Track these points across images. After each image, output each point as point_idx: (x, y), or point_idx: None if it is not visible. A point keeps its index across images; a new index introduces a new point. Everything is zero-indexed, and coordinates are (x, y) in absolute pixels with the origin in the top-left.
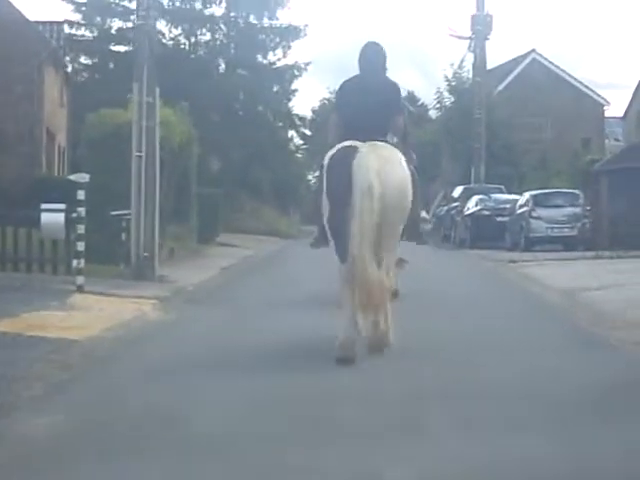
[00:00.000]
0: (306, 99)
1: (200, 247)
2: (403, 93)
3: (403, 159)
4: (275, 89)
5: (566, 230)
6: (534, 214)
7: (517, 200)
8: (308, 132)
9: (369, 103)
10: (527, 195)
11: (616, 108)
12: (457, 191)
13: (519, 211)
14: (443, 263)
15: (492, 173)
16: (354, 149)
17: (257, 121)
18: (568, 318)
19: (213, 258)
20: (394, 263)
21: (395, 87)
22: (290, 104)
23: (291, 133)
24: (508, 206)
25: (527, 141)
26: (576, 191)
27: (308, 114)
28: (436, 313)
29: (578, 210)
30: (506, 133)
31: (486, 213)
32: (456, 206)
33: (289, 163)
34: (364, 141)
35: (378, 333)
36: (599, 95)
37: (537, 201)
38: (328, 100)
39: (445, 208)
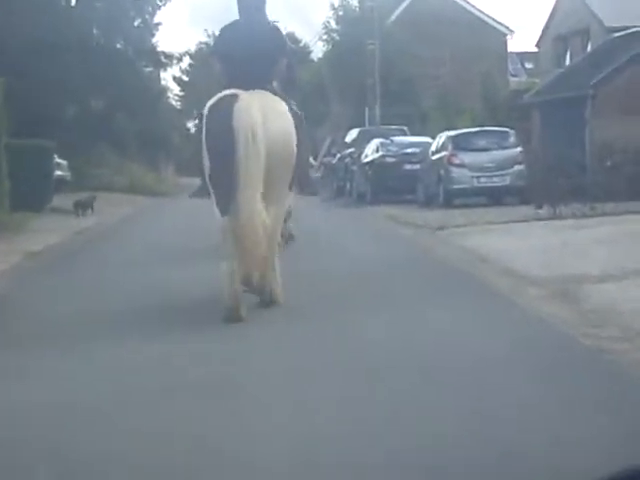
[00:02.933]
0: (179, 39)
1: (17, 218)
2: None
3: (286, 108)
4: (136, 23)
5: (496, 179)
6: (455, 160)
7: (428, 143)
8: (185, 78)
9: (250, 50)
10: (444, 137)
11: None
12: (351, 135)
13: (435, 157)
14: (341, 231)
15: (389, 113)
16: (235, 97)
17: (116, 60)
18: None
19: (27, 235)
20: (283, 216)
21: (277, 31)
22: (154, 40)
23: (164, 76)
24: (417, 151)
25: (425, 76)
26: (506, 129)
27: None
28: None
29: (510, 153)
30: (404, 66)
31: (390, 160)
32: (351, 153)
33: (158, 109)
34: (247, 89)
35: (266, 287)
36: (501, 24)
37: (458, 144)
38: (206, 44)
39: (337, 155)
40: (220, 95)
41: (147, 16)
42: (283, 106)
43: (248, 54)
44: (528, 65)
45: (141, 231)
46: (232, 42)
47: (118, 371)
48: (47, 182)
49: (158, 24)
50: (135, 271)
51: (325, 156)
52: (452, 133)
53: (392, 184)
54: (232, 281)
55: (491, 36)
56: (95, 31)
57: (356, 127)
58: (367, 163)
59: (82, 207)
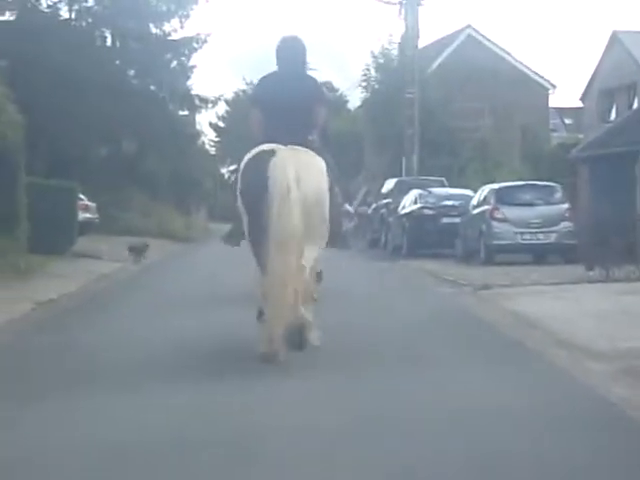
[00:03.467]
0: (215, 83)
1: (36, 261)
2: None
3: (322, 163)
4: (171, 65)
5: (541, 236)
6: (498, 215)
7: (468, 196)
8: (221, 124)
9: (289, 102)
10: (487, 190)
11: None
12: (388, 185)
13: (476, 211)
14: (376, 286)
15: (427, 164)
16: (271, 153)
17: (149, 101)
18: None
19: (43, 280)
20: (315, 273)
21: (314, 81)
22: (189, 82)
23: (199, 121)
24: (457, 204)
25: (464, 128)
26: (553, 184)
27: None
28: None
29: (557, 209)
30: (443, 116)
31: (429, 212)
32: (387, 203)
33: (191, 153)
34: (285, 142)
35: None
36: (542, 77)
37: (501, 198)
38: (244, 92)
39: (373, 206)
40: (257, 150)
41: (183, 58)
42: (318, 161)
43: (286, 105)
44: (567, 121)
45: (166, 278)
46: (271, 92)
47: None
48: (70, 224)
49: (193, 67)
50: (155, 321)
51: (360, 206)
52: (495, 186)
53: (430, 237)
54: (270, 329)
55: (533, 90)
56: (129, 71)
57: (393, 177)
58: (404, 215)
59: (136, 252)
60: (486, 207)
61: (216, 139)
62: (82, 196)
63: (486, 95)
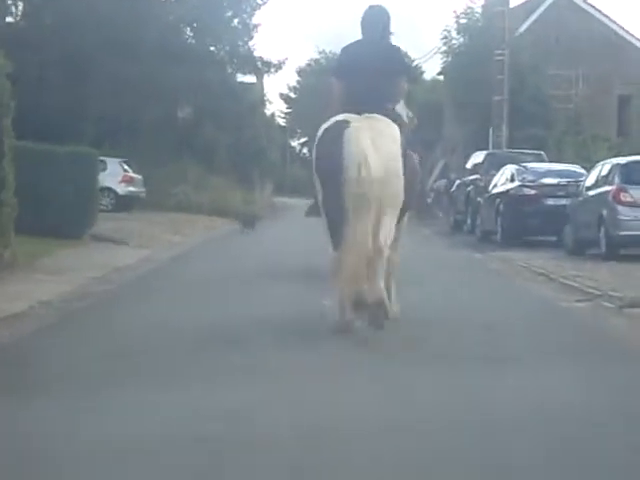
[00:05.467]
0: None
1: (36, 249)
2: None
3: (397, 132)
4: (233, 23)
5: None
6: (625, 198)
7: (577, 173)
8: (292, 94)
9: (371, 71)
10: (608, 165)
11: None
12: (475, 159)
13: (593, 192)
14: (465, 289)
15: (517, 136)
16: (345, 123)
17: (207, 64)
18: None
19: (24, 277)
20: (394, 242)
21: (397, 51)
22: (251, 43)
23: (267, 91)
24: (564, 182)
25: (554, 97)
26: None
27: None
28: None
29: None
30: (535, 83)
31: (530, 192)
32: (474, 180)
33: (254, 122)
34: (365, 111)
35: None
36: None
37: (629, 175)
38: (316, 61)
39: (456, 182)
40: (331, 122)
41: (245, 15)
42: (393, 129)
43: (369, 73)
44: None
45: (198, 274)
46: (354, 60)
47: None
48: (88, 201)
49: (257, 25)
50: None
51: (436, 181)
52: (621, 161)
53: (530, 223)
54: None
55: (632, 56)
56: (186, 29)
57: (476, 150)
58: (498, 194)
59: (246, 224)
60: (608, 187)
61: (287, 110)
62: (127, 167)
63: (579, 61)
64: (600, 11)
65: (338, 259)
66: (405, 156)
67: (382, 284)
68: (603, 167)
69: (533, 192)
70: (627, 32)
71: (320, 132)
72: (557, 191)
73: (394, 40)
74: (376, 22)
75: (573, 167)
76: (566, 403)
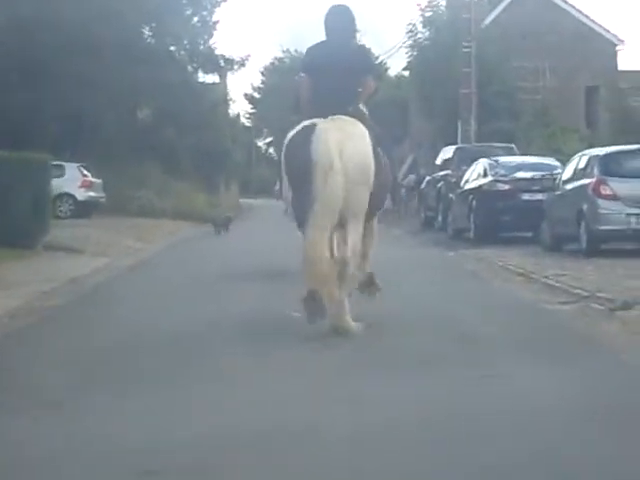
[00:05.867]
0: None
1: None
2: None
3: (366, 132)
4: (193, 21)
5: None
6: (605, 191)
7: (551, 166)
8: (256, 95)
9: (337, 71)
10: (586, 157)
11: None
12: (445, 154)
13: (570, 185)
14: (439, 291)
15: (486, 130)
16: (312, 128)
17: (167, 63)
18: None
19: None
20: (364, 245)
21: (363, 50)
22: (212, 41)
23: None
24: (540, 176)
25: (521, 89)
26: None
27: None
28: None
29: None
30: (502, 75)
31: (504, 187)
32: (445, 176)
33: (218, 123)
34: (332, 112)
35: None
36: (610, 32)
37: (608, 167)
38: (280, 60)
39: (426, 179)
40: (300, 127)
41: (205, 13)
42: (361, 129)
43: (336, 74)
44: None
45: (157, 282)
46: (320, 62)
47: None
48: (40, 209)
49: (216, 22)
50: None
51: (405, 177)
52: (600, 152)
53: (505, 219)
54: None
55: (598, 46)
56: (145, 29)
57: (444, 144)
58: (470, 190)
59: (220, 226)
60: (587, 180)
61: (251, 110)
62: (86, 172)
63: (545, 52)
64: (567, 2)
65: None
66: (375, 155)
67: (341, 294)
68: (581, 159)
69: (507, 187)
70: (595, 22)
71: (288, 138)
72: (532, 185)
73: (359, 38)
74: (340, 22)
75: (547, 160)
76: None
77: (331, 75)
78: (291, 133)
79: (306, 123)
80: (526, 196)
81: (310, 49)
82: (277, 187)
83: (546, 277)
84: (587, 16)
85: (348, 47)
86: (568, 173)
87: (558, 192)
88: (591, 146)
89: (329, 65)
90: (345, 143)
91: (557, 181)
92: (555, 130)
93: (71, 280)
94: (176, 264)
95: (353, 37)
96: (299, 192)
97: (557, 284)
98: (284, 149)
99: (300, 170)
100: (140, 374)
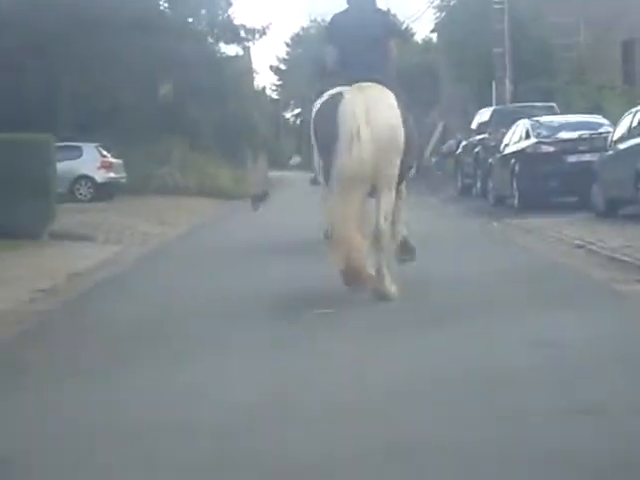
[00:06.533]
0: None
1: None
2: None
3: (393, 97)
4: None
5: None
6: None
7: (600, 124)
8: (282, 66)
9: (361, 37)
10: None
11: None
12: (481, 116)
13: (625, 144)
14: (484, 271)
15: (521, 89)
16: (340, 96)
17: (186, 36)
18: None
19: None
20: (396, 218)
21: (384, 14)
22: (231, 11)
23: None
24: (587, 135)
25: (556, 46)
26: None
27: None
28: None
29: None
30: (538, 31)
31: (549, 149)
32: (482, 140)
33: (242, 95)
34: (360, 78)
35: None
36: None
37: None
38: (306, 30)
39: (462, 144)
40: (326, 95)
41: None
42: (390, 98)
43: (360, 40)
44: None
45: (166, 282)
46: (343, 29)
47: None
48: (44, 195)
49: None
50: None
51: (435, 145)
52: None
53: (552, 184)
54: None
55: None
56: (162, 4)
57: (478, 108)
58: (512, 154)
59: (258, 200)
60: None
61: (278, 82)
62: (105, 152)
63: (581, 7)
64: None
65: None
66: (404, 121)
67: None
68: (635, 115)
69: (552, 149)
70: None
71: (316, 107)
72: (579, 146)
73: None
74: None
75: (592, 117)
76: None
77: (356, 43)
78: (318, 102)
79: (333, 92)
80: (573, 158)
81: (333, 17)
82: (292, 161)
83: (611, 249)
84: None
85: (370, 13)
86: (621, 131)
87: (610, 152)
88: (630, 103)
89: (353, 33)
90: (373, 110)
91: (609, 140)
92: (591, 88)
93: (73, 275)
94: (193, 256)
95: (374, 3)
96: (328, 161)
97: (625, 257)
98: (312, 119)
99: (328, 139)
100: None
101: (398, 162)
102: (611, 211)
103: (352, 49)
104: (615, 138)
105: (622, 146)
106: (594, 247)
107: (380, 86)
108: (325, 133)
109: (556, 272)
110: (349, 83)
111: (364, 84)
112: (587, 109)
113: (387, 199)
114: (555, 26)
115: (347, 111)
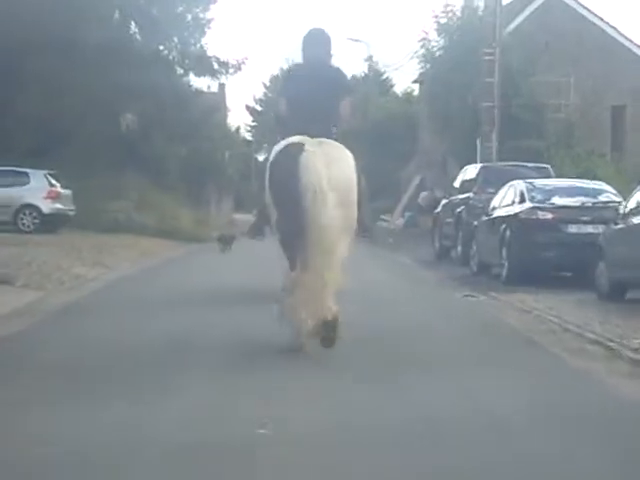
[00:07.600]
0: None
1: None
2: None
3: (349, 154)
4: (188, 18)
5: None
6: None
7: (604, 191)
8: (258, 107)
9: (314, 93)
10: None
11: None
12: (467, 174)
13: (639, 218)
14: (471, 363)
15: (507, 147)
16: (300, 147)
17: (158, 66)
18: None
19: None
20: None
21: (339, 72)
22: (204, 41)
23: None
24: (591, 203)
25: (547, 106)
26: None
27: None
28: None
29: None
30: (529, 87)
31: (546, 217)
32: (466, 199)
33: (210, 132)
34: (311, 134)
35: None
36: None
37: None
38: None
39: (442, 202)
40: (285, 143)
41: (197, 10)
42: (347, 155)
43: (312, 96)
44: None
45: (80, 345)
46: (297, 84)
47: None
48: None
49: (210, 20)
50: None
51: (408, 201)
52: None
53: (548, 255)
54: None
55: (627, 63)
56: (132, 27)
57: (459, 164)
58: (502, 218)
59: (225, 243)
60: None
61: (253, 124)
62: (54, 181)
63: (571, 67)
64: (592, 12)
65: (296, 279)
66: (358, 181)
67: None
68: None
69: (550, 216)
70: (622, 35)
71: (273, 154)
72: (580, 215)
73: (334, 61)
74: (316, 45)
75: (594, 183)
76: None
77: (309, 96)
78: (277, 148)
79: (293, 140)
80: (573, 228)
81: (289, 70)
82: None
83: (632, 350)
84: (615, 28)
85: (324, 68)
86: (634, 202)
87: (620, 225)
88: (619, 172)
89: (306, 87)
90: (332, 168)
91: (619, 212)
92: (580, 153)
93: None
94: (123, 310)
95: (329, 58)
96: (284, 213)
97: None
98: (269, 168)
99: (287, 195)
100: None
101: (355, 216)
102: (617, 294)
103: (304, 102)
104: (627, 210)
105: (635, 220)
106: (611, 344)
107: (340, 145)
108: (284, 186)
109: (578, 387)
110: (299, 134)
111: (324, 140)
112: (578, 174)
113: (342, 251)
114: (545, 85)
115: (310, 165)
